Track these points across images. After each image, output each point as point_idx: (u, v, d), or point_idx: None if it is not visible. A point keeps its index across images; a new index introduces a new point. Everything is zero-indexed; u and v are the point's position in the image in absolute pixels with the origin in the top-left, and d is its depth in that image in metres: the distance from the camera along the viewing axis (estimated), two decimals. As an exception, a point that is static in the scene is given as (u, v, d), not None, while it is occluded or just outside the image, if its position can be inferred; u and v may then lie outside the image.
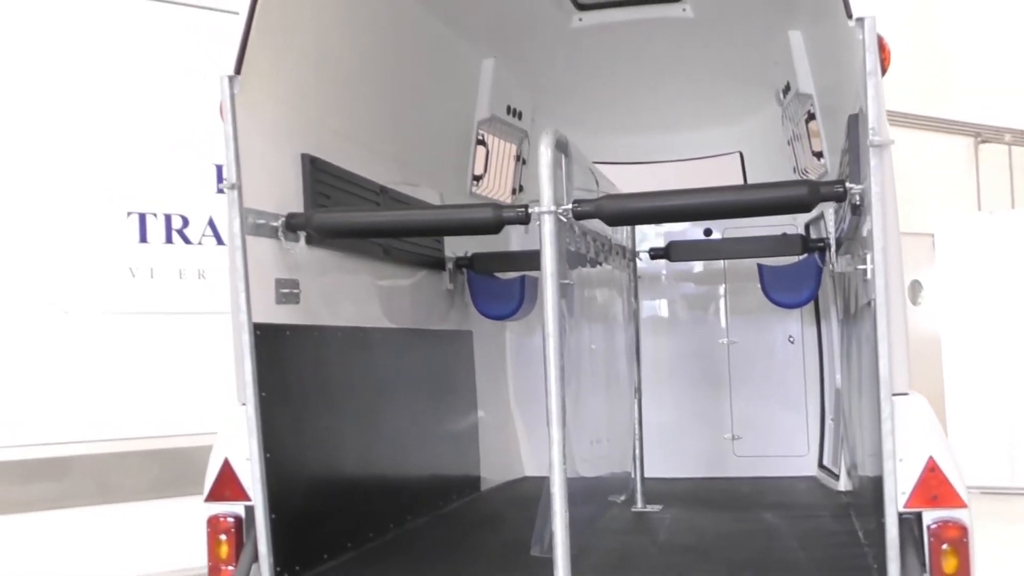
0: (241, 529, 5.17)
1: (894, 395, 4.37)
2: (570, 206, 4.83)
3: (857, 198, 4.91)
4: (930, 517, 4.41)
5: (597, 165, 10.25)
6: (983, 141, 19.34)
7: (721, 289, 9.24)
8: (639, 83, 9.16)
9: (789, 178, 9.12)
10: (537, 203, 4.62)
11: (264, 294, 5.25)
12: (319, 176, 5.51)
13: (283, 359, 5.35)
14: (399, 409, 6.87)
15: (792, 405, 9.00)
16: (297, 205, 5.59)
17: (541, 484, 8.87)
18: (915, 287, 16.96)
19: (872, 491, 4.94)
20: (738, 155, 9.75)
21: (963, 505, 4.37)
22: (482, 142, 8.74)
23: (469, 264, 8.20)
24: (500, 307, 8.05)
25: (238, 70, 4.99)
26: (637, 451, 7.55)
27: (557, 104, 9.52)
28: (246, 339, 5.00)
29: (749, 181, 9.65)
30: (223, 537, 5.14)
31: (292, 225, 5.44)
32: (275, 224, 5.36)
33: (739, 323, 9.16)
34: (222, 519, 5.17)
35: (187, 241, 9.58)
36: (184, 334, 9.38)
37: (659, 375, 9.12)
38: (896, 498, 4.35)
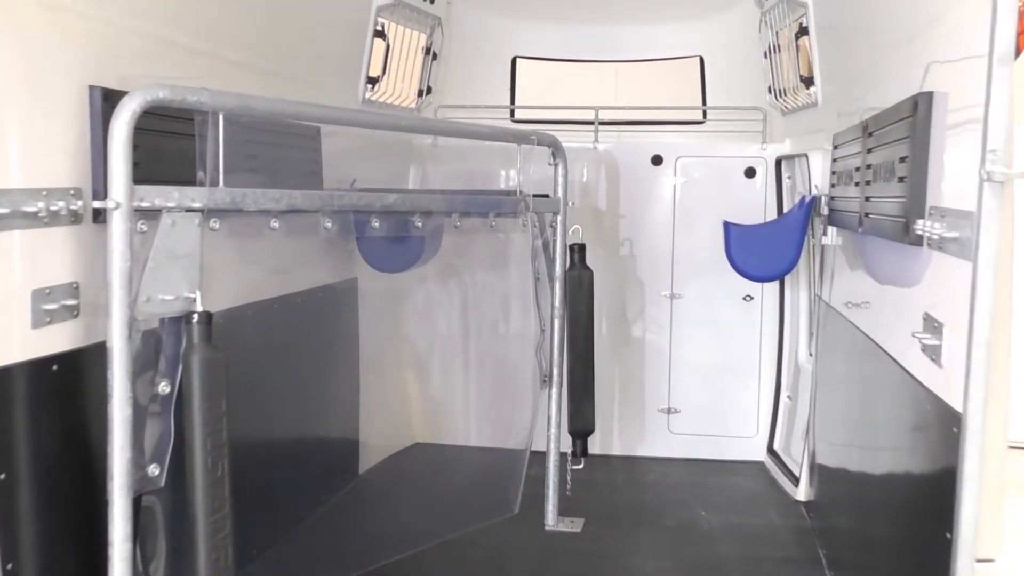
0: None
1: (978, 562, 2.85)
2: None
3: (926, 236, 3.27)
4: None
5: (523, 60, 8.45)
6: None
7: (667, 229, 7.57)
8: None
9: (759, 99, 7.41)
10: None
11: (14, 317, 3.40)
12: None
13: (41, 414, 3.54)
14: (264, 420, 5.28)
15: (742, 376, 7.54)
16: (83, 171, 3.69)
17: (434, 457, 7.50)
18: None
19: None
20: (698, 60, 7.94)
21: None
22: (381, 34, 6.74)
23: (356, 201, 6.32)
24: (396, 258, 6.26)
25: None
26: (552, 442, 6.03)
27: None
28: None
29: (709, 94, 7.89)
30: None
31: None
32: (39, 208, 3.47)
33: (687, 272, 7.56)
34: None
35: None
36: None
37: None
38: None
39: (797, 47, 6.52)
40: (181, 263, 3.81)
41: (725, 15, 7.68)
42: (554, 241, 5.93)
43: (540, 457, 6.16)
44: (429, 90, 7.57)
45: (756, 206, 7.32)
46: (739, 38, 7.61)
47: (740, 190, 7.39)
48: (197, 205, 3.82)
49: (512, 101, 8.07)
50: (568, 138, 7.49)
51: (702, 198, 7.45)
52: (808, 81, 6.39)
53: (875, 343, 4.23)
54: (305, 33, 5.88)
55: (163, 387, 3.78)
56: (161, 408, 3.79)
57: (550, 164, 5.86)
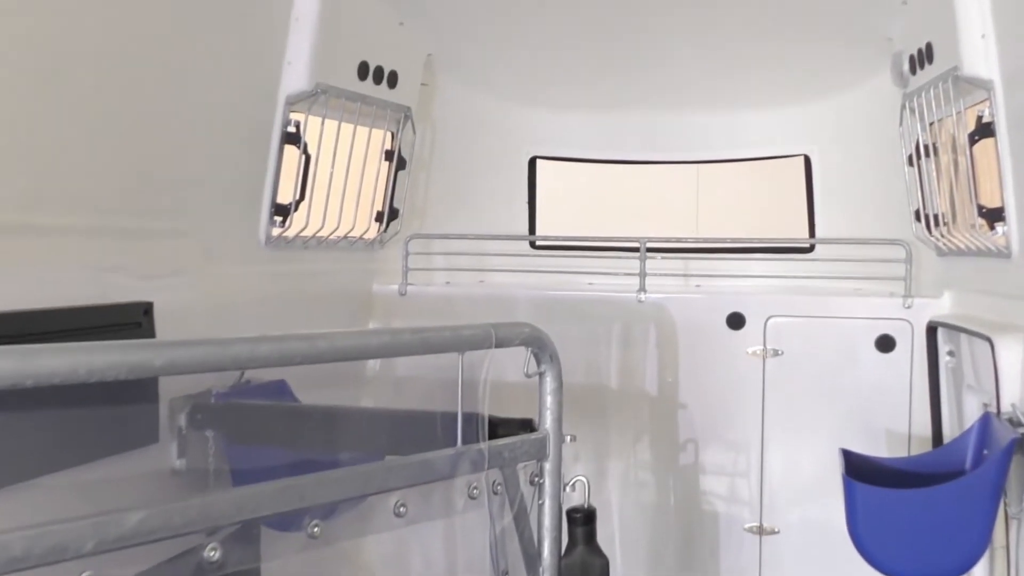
0: None
1: None
2: None
3: None
4: None
5: (546, 163, 5.97)
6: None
7: (754, 429, 4.90)
8: (639, 20, 4.77)
9: (900, 227, 4.77)
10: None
11: None
12: None
13: None
14: None
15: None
16: None
17: None
18: None
19: None
20: (803, 160, 5.36)
21: None
22: (294, 138, 4.33)
23: (220, 418, 3.82)
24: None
25: None
26: None
27: (485, 52, 5.14)
28: None
29: (820, 212, 5.28)
30: None
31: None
32: None
33: (784, 496, 4.87)
34: None
35: None
36: None
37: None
38: None
39: (971, 155, 3.85)
40: None
41: (844, 96, 5.14)
42: (540, 505, 3.33)
43: None
44: (395, 212, 5.13)
45: (895, 400, 4.64)
46: (865, 130, 5.07)
47: (869, 372, 4.72)
48: None
49: (531, 224, 5.59)
50: (605, 284, 5.09)
51: (807, 382, 4.79)
52: (993, 215, 3.73)
53: None
54: (151, 143, 3.56)
55: None
56: None
57: (528, 375, 3.30)
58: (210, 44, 3.80)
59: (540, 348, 3.31)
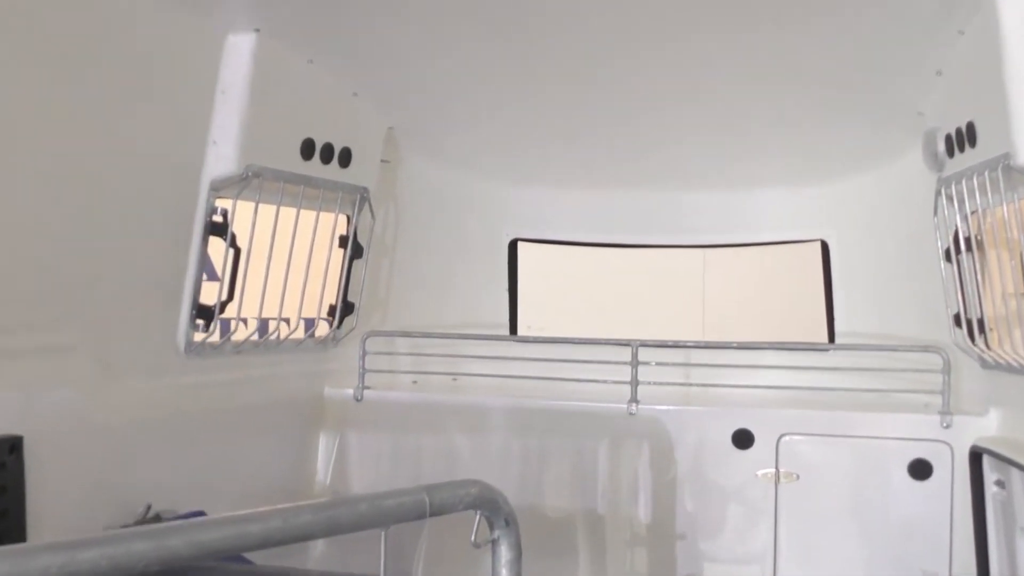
0: None
1: None
2: None
3: None
4: None
5: (529, 246, 5.33)
6: None
7: (764, 566, 4.17)
8: (638, 87, 4.10)
9: (936, 329, 4.07)
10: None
11: None
12: None
13: None
14: None
15: None
16: None
17: None
18: None
19: None
20: (819, 245, 4.69)
21: None
22: (220, 229, 3.69)
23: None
24: None
25: None
26: None
27: (454, 122, 4.50)
28: None
29: (840, 305, 4.61)
30: None
31: None
32: None
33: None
34: None
35: None
36: None
37: None
38: None
39: (1025, 259, 3.19)
40: None
41: (867, 176, 4.50)
42: None
43: None
44: (350, 307, 4.48)
45: (933, 537, 3.93)
46: (891, 215, 4.43)
47: (901, 503, 4.02)
48: None
49: (511, 315, 4.93)
50: (592, 393, 4.40)
51: (828, 513, 4.09)
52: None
53: None
54: (33, 239, 2.97)
55: None
56: None
57: (476, 545, 2.61)
58: (117, 122, 3.19)
59: (493, 512, 2.62)
